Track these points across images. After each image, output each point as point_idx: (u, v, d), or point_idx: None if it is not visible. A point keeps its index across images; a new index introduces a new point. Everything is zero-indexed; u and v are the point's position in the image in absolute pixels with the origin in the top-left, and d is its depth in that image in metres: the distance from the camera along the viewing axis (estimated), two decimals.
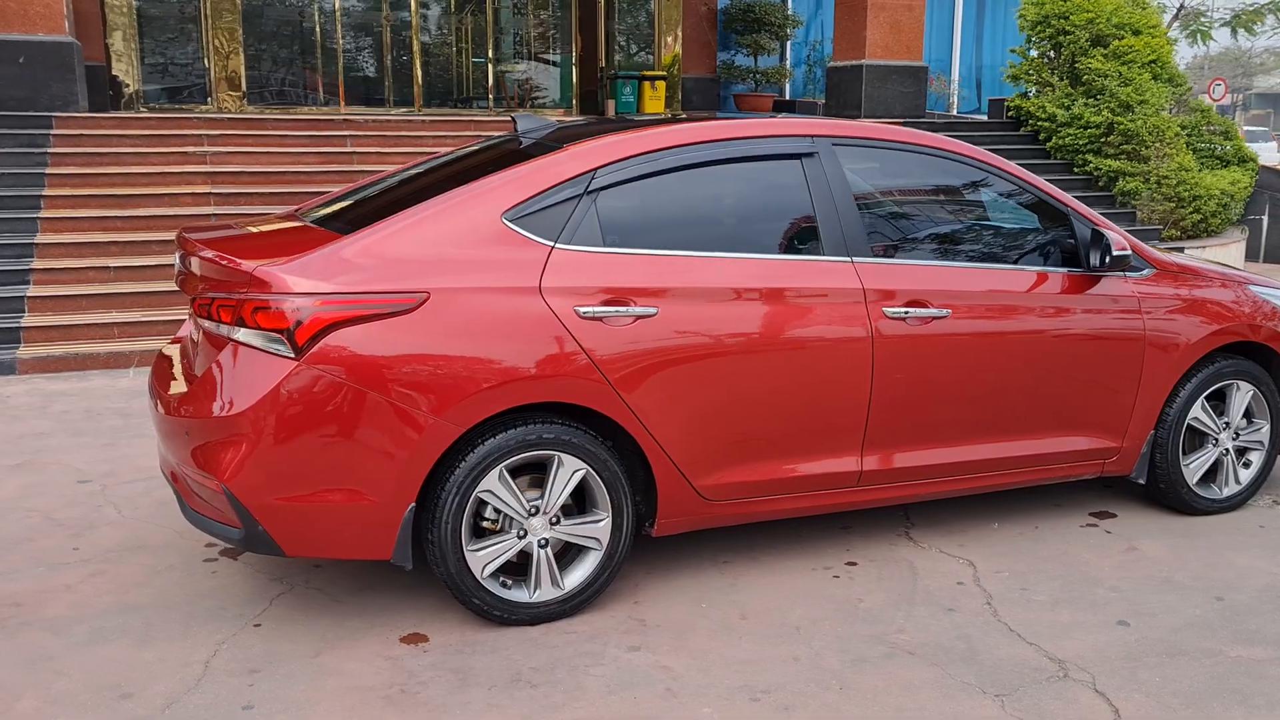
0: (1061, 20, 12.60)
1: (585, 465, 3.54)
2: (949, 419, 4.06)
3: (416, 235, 3.43)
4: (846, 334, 3.81)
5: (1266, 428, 4.66)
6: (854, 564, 4.10)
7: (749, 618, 3.66)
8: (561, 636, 3.52)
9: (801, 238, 3.89)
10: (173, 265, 4.04)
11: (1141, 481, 4.52)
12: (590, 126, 4.20)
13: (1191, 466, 4.56)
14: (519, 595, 3.56)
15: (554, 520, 3.56)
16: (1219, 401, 4.59)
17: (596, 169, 3.64)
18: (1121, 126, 11.91)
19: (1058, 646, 3.48)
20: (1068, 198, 4.32)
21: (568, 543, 3.62)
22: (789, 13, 17.28)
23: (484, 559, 3.48)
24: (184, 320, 4.22)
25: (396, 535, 3.37)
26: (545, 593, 3.58)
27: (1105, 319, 4.24)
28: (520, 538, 3.53)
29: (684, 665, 3.34)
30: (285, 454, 3.25)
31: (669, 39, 16.12)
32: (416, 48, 14.72)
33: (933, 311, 3.93)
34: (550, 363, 3.43)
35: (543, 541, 3.55)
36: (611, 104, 15.56)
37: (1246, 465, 4.70)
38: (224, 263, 3.42)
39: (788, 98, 17.92)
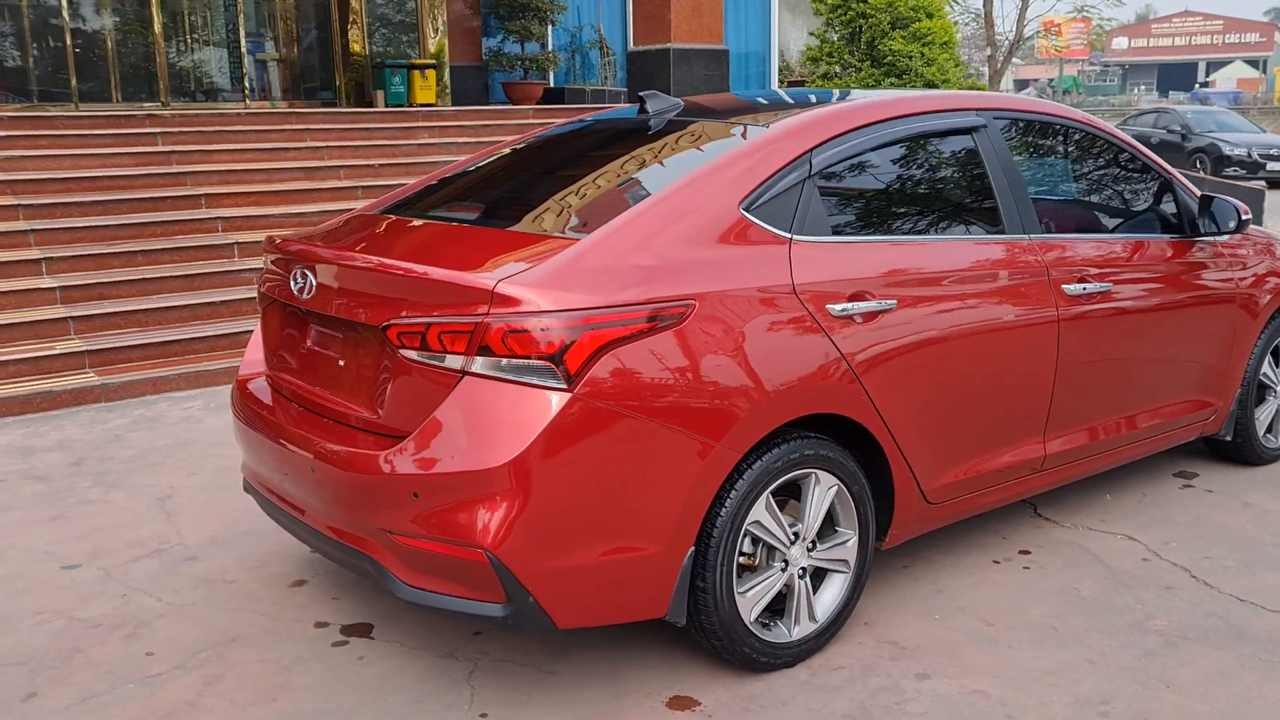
0: (861, 4, 13.08)
1: (838, 481, 3.17)
2: (1109, 394, 3.98)
3: (659, 234, 2.90)
4: (1042, 314, 3.64)
5: None
6: (1027, 552, 3.95)
7: (994, 624, 3.42)
8: (833, 675, 3.13)
9: (987, 215, 3.67)
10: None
11: (1229, 438, 4.66)
12: (739, 104, 3.79)
13: (1260, 419, 4.76)
14: (780, 635, 3.14)
15: (809, 546, 3.16)
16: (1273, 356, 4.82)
17: (812, 149, 3.25)
18: None
19: None
20: (1168, 166, 4.36)
21: (815, 569, 3.24)
22: None
23: (751, 600, 3.03)
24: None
25: (674, 587, 2.86)
26: (803, 628, 3.18)
27: (1217, 282, 4.32)
28: (782, 570, 3.10)
29: (994, 687, 3.05)
30: (563, 507, 2.66)
31: (434, 26, 15.34)
32: (159, 33, 13.11)
33: (1098, 286, 3.83)
34: (818, 370, 3.03)
35: (802, 571, 3.14)
36: (380, 94, 14.58)
37: None
38: (437, 279, 2.76)
39: (553, 84, 17.58)
